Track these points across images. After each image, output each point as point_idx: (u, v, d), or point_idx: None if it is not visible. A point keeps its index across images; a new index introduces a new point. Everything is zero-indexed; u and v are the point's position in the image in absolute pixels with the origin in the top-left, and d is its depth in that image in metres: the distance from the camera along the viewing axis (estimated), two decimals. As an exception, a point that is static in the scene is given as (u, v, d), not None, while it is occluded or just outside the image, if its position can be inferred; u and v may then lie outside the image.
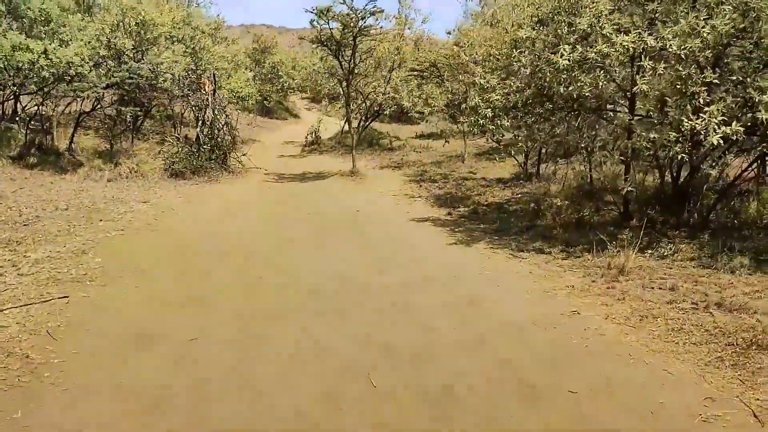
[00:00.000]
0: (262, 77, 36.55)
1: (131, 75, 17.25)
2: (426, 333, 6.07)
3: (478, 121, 12.88)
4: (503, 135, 13.65)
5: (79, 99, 18.44)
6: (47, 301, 6.33)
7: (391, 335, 5.99)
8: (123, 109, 17.28)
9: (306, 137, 26.14)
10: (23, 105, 20.19)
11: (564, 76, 9.32)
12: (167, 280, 7.62)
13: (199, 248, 9.49)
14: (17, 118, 19.52)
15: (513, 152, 17.12)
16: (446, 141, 20.61)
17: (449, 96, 19.11)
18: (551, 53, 9.50)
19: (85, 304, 6.40)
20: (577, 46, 9.05)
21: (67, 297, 6.48)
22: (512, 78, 11.25)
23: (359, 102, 25.21)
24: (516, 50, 10.57)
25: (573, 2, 9.31)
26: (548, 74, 9.76)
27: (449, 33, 28.38)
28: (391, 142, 25.28)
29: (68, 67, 16.49)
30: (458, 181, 17.04)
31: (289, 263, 8.80)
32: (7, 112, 20.36)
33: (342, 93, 25.17)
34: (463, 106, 16.22)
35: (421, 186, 16.68)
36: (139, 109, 18.40)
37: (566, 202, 12.19)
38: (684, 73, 8.30)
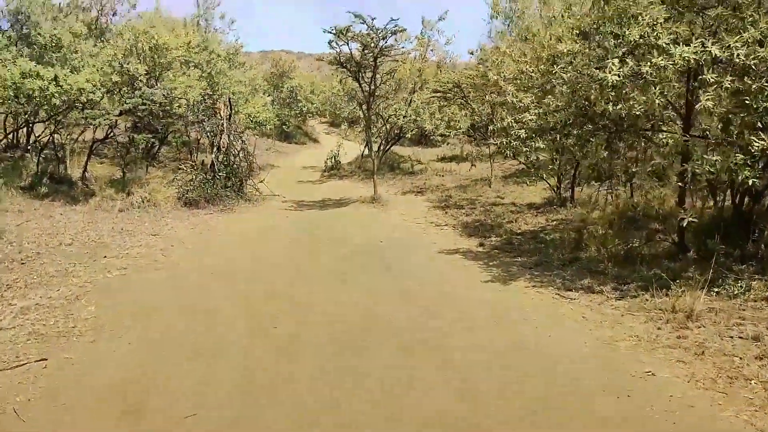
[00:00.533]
0: (280, 102, 35.93)
1: (144, 101, 16.51)
2: (465, 399, 4.99)
3: (510, 142, 11.86)
4: (537, 158, 12.58)
5: (92, 126, 17.74)
6: (22, 365, 5.36)
7: (424, 400, 4.92)
8: (136, 136, 16.49)
9: (325, 162, 25.29)
10: (36, 133, 19.58)
11: (612, 94, 8.26)
12: (166, 332, 6.62)
13: (206, 287, 8.51)
14: (29, 147, 18.88)
15: (544, 175, 16.02)
16: (473, 164, 19.61)
17: (474, 118, 18.11)
18: (596, 68, 8.47)
19: (67, 369, 5.41)
20: (627, 60, 8.01)
21: (45, 360, 5.50)
22: (549, 97, 10.22)
23: (379, 125, 24.35)
24: (555, 66, 9.56)
25: (620, 11, 8.27)
26: (593, 92, 8.72)
27: (472, 53, 27.51)
28: (413, 166, 24.31)
29: (79, 94, 15.79)
30: (486, 206, 15.95)
31: (307, 300, 7.78)
32: (21, 141, 19.74)
33: (362, 116, 24.35)
34: (491, 127, 15.19)
35: (447, 213, 15.62)
36: (152, 136, 17.59)
37: (610, 231, 11.06)
38: (754, 86, 7.20)
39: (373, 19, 16.10)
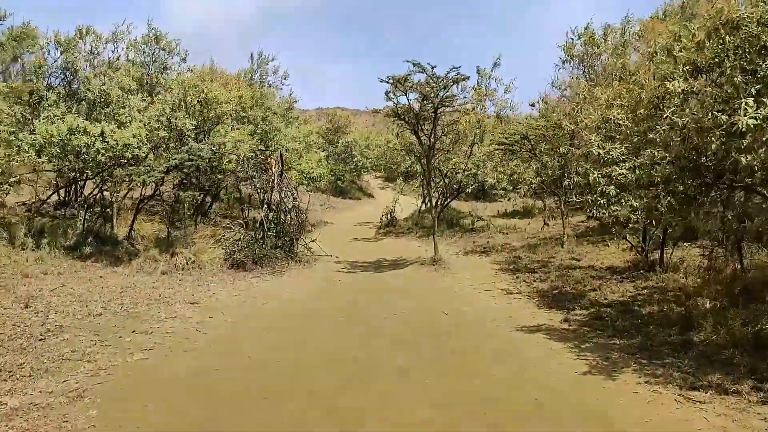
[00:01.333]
0: (335, 157, 35.06)
1: (191, 157, 15.53)
2: None
3: (596, 200, 10.12)
4: (631, 218, 10.78)
5: (140, 184, 16.88)
6: None
7: None
8: (181, 193, 15.46)
9: (381, 218, 23.90)
10: (83, 191, 18.90)
11: (743, 141, 6.51)
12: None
13: (237, 391, 6.97)
14: (76, 205, 18.14)
15: (627, 235, 14.11)
16: (545, 222, 17.81)
17: (546, 171, 16.45)
18: (718, 111, 6.76)
19: None
20: (766, 100, 6.28)
21: None
22: (650, 146, 8.50)
23: (437, 180, 22.93)
24: (657, 110, 7.88)
25: (751, 39, 6.60)
26: (713, 139, 6.97)
27: (533, 104, 25.97)
28: (474, 223, 22.63)
29: (125, 150, 14.93)
30: (562, 270, 14.08)
31: (357, 413, 6.12)
32: (71, 198, 19.05)
33: (421, 170, 22.96)
34: (565, 182, 13.48)
35: (517, 278, 13.82)
36: (199, 192, 16.54)
37: (725, 305, 9.09)
38: None
39: (433, 68, 14.81)
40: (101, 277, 13.73)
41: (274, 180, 16.44)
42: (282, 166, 17.63)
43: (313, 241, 17.13)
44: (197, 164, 15.61)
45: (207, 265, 15.15)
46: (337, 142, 37.11)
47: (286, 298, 12.00)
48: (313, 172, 23.36)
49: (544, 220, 17.88)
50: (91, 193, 18.71)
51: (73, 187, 18.71)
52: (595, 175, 9.87)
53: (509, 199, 28.51)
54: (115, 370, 7.03)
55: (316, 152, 26.21)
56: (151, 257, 15.23)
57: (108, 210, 18.23)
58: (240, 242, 15.68)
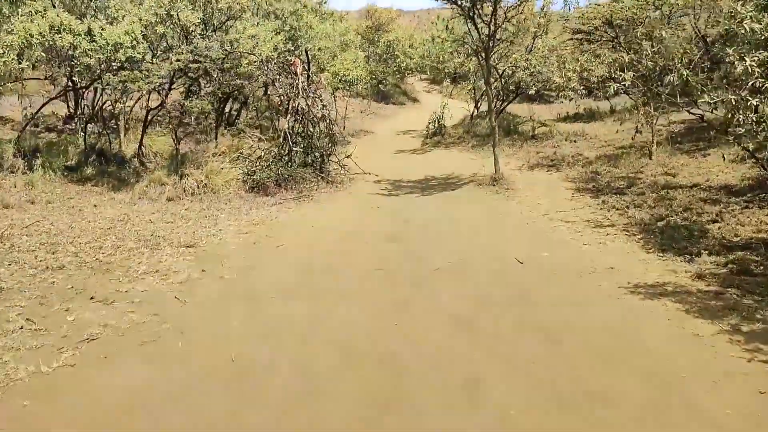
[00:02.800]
0: (375, 58, 31.34)
1: (197, 58, 12.49)
2: None
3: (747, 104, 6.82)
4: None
5: (146, 93, 14.04)
6: None
7: None
8: (187, 103, 12.53)
9: (427, 126, 20.61)
10: (96, 103, 16.21)
11: None
12: None
13: (223, 382, 4.32)
14: (75, 120, 15.50)
15: (741, 141, 10.68)
16: (637, 131, 14.27)
17: (645, 64, 12.68)
18: None
19: None
20: None
21: None
22: None
23: (493, 80, 19.38)
24: None
25: None
26: None
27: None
28: (534, 129, 19.15)
29: (116, 50, 12.00)
30: (658, 191, 10.84)
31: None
32: (81, 112, 16.36)
33: (473, 69, 19.39)
34: (668, 78, 9.95)
35: (603, 202, 10.66)
36: (211, 101, 13.60)
37: None
38: None
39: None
40: (95, 206, 11.23)
41: (297, 85, 13.32)
42: (309, 66, 14.43)
43: (347, 156, 14.15)
44: (205, 67, 12.58)
45: (222, 189, 12.45)
46: (378, 41, 33.20)
47: (307, 237, 9.20)
48: (349, 74, 20.02)
49: (637, 127, 14.35)
50: (95, 103, 16.01)
51: (80, 98, 16.02)
52: (747, 63, 6.54)
53: (570, 100, 24.63)
54: (13, 390, 4.39)
55: (353, 52, 22.65)
56: (157, 180, 12.59)
57: (113, 123, 15.55)
58: (260, 160, 12.86)
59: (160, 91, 12.90)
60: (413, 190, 13.00)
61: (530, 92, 17.90)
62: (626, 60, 10.23)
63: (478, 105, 21.94)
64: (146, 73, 12.21)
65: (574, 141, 17.54)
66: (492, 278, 7.01)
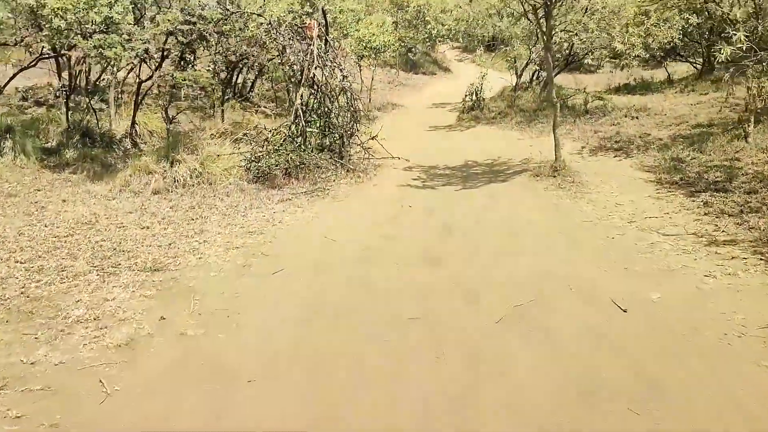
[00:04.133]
0: (404, 23, 28.43)
1: (188, 18, 10.05)
2: None
3: None
4: None
5: (138, 62, 11.67)
6: None
7: None
8: (177, 75, 10.09)
9: (464, 99, 17.90)
10: (74, 74, 13.90)
11: None
12: None
13: None
14: (57, 93, 13.24)
15: None
16: (729, 93, 11.47)
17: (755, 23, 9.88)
18: None
19: None
20: None
21: None
22: None
23: (537, 48, 16.61)
24: None
25: None
26: None
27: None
28: (587, 103, 16.33)
29: (89, 8, 9.65)
30: (775, 188, 8.18)
31: None
32: (75, 84, 14.08)
33: (520, 34, 16.62)
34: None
35: (706, 204, 8.03)
36: (208, 72, 11.17)
37: None
38: None
39: None
40: (64, 201, 9.03)
41: (312, 51, 10.80)
42: (327, 30, 11.89)
43: (373, 137, 11.62)
44: (200, 30, 10.12)
45: (220, 179, 10.12)
46: (407, 6, 30.19)
47: (315, 256, 6.80)
48: (375, 41, 17.35)
49: (727, 95, 11.55)
50: (79, 73, 13.69)
51: (64, 68, 13.71)
52: None
53: (620, 69, 21.58)
54: None
55: (381, 15, 19.87)
56: (144, 168, 10.29)
57: (100, 98, 13.26)
58: (267, 144, 10.46)
59: (147, 60, 10.49)
60: (452, 180, 10.49)
61: (587, 61, 15.10)
62: (738, 16, 7.59)
63: (520, 75, 19.13)
64: (126, 37, 9.82)
65: (636, 117, 14.74)
66: (587, 341, 4.54)
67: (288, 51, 11.05)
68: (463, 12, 20.11)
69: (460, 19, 21.84)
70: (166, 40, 10.70)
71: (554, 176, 9.68)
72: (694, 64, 19.72)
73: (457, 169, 11.24)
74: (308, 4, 15.48)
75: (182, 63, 10.94)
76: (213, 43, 10.57)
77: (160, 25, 9.97)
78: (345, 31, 16.62)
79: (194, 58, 10.97)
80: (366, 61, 19.30)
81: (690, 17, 15.20)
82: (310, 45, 11.01)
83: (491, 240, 7.12)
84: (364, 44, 17.24)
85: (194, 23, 9.97)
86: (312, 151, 10.80)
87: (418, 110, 20.02)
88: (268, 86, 18.79)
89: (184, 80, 9.83)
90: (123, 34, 9.90)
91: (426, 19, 29.31)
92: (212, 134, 11.25)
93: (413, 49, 28.78)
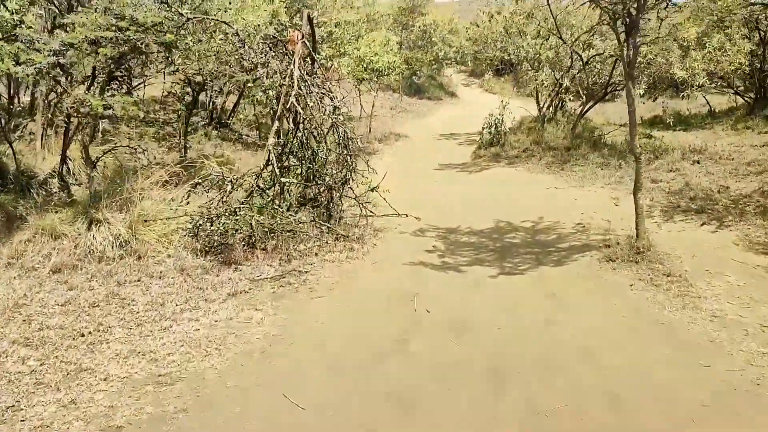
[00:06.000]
0: (409, 44, 25.49)
1: (118, 23, 6.92)
2: None
3: None
4: None
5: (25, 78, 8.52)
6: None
7: None
8: (92, 100, 6.89)
9: (481, 132, 14.74)
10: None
11: None
12: None
13: None
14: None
15: None
16: None
17: None
18: None
19: None
20: None
21: None
22: None
23: (556, 75, 13.56)
24: None
25: None
26: None
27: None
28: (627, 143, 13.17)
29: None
30: None
31: None
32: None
33: (551, 56, 13.58)
34: None
35: None
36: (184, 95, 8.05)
37: None
38: None
39: None
40: None
41: (292, 72, 7.64)
42: (314, 43, 8.77)
43: (372, 189, 8.41)
44: (132, 39, 6.97)
45: (155, 249, 6.93)
46: (412, 25, 27.27)
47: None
48: (377, 61, 14.23)
49: None
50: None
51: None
52: None
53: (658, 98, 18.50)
54: None
55: (384, 34, 16.77)
56: (49, 229, 7.09)
57: (16, 124, 10.10)
58: (221, 204, 7.27)
59: (58, 78, 7.31)
60: (482, 254, 7.29)
61: (638, 91, 12.03)
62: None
63: (543, 104, 16.03)
64: (26, 45, 6.68)
65: (697, 162, 11.62)
66: None
67: (261, 71, 7.91)
68: (478, 31, 17.04)
69: (473, 38, 18.76)
70: (95, 52, 7.54)
71: (636, 261, 6.47)
72: (744, 97, 16.67)
73: (487, 236, 8.04)
74: (298, 15, 12.46)
75: (111, 83, 7.77)
76: (155, 58, 7.42)
77: (75, 31, 6.82)
78: (342, 49, 13.53)
79: (128, 76, 7.84)
80: (366, 85, 16.21)
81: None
82: (290, 65, 7.86)
83: (588, 418, 3.90)
84: (364, 65, 14.12)
85: (123, 30, 6.82)
86: (289, 209, 7.62)
87: (425, 142, 16.88)
88: (255, 110, 15.66)
89: (98, 108, 6.63)
90: (25, 41, 6.76)
91: (432, 39, 26.39)
92: (153, 182, 8.02)
93: (418, 72, 25.76)
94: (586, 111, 14.00)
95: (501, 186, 11.19)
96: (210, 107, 14.93)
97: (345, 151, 8.03)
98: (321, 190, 8.03)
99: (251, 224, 7.03)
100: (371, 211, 8.43)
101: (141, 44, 7.00)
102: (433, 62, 26.17)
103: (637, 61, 11.05)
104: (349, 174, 8.13)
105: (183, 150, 11.43)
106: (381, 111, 20.32)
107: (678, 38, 11.39)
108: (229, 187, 7.47)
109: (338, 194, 7.96)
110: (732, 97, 17.78)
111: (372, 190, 8.44)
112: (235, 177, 7.67)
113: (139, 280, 6.28)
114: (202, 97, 15.14)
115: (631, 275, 6.21)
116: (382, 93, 21.20)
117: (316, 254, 7.10)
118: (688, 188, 9.67)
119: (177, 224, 7.39)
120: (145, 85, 10.15)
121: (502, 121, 14.35)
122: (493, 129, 14.35)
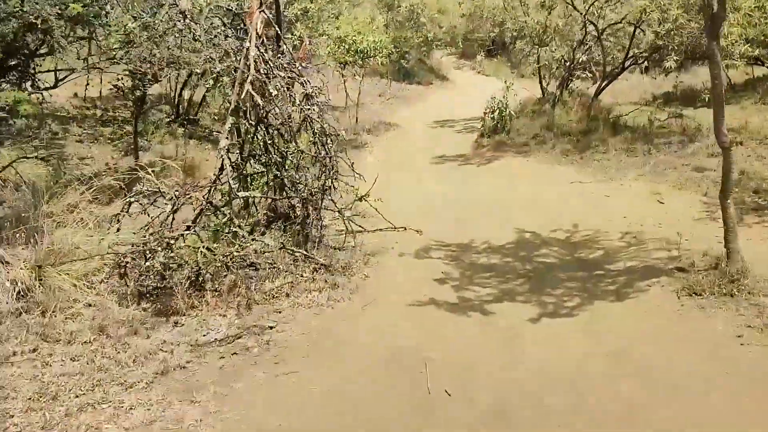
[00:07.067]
0: (395, 26, 23.33)
1: None
2: None
3: None
4: None
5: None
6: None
7: None
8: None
9: (483, 117, 12.77)
10: None
11: None
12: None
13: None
14: None
15: None
16: None
17: None
18: None
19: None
20: None
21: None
22: None
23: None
24: None
25: None
26: None
27: None
28: (652, 123, 11.28)
29: None
30: None
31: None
32: None
33: (561, 27, 11.68)
34: None
35: None
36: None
37: None
38: None
39: None
40: None
41: (248, 54, 5.67)
42: (279, 17, 6.79)
43: (360, 198, 6.47)
44: (23, 12, 4.98)
45: (68, 301, 4.99)
46: (399, 5, 25.08)
47: None
48: (362, 42, 12.20)
49: None
50: None
51: None
52: None
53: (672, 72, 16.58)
54: None
55: (369, 10, 14.62)
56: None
57: None
58: (157, 233, 5.31)
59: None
60: (509, 282, 5.40)
61: (667, 64, 10.10)
62: None
63: (548, 84, 14.07)
64: None
65: (740, 143, 9.76)
66: None
67: (207, 52, 5.94)
68: (473, 5, 15.01)
69: (467, 14, 16.74)
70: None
71: (731, 294, 4.58)
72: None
73: (511, 254, 6.14)
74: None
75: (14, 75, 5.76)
76: (63, 38, 5.43)
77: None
78: (320, 29, 11.51)
79: (26, 65, 5.87)
80: (350, 70, 14.17)
81: None
82: (248, 43, 5.89)
83: None
84: (347, 47, 12.08)
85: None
86: (252, 232, 5.71)
87: (419, 131, 14.90)
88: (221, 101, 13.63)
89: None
90: None
91: (421, 20, 24.24)
92: (71, 206, 6.05)
93: (406, 56, 23.63)
94: (603, 89, 12.06)
95: (514, 182, 9.28)
96: (176, 101, 12.97)
97: (323, 152, 6.07)
98: (294, 203, 6.09)
99: (197, 261, 5.10)
100: (360, 227, 6.51)
101: (36, 18, 4.99)
102: (422, 45, 24.04)
103: (676, 26, 9.13)
104: (329, 181, 6.17)
105: (135, 153, 9.48)
106: (368, 99, 18.29)
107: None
108: (169, 208, 5.51)
109: (316, 208, 6.01)
110: (743, 69, 15.81)
111: (360, 200, 6.53)
112: (178, 191, 5.70)
113: (35, 351, 4.36)
114: (163, 89, 13.18)
115: (733, 318, 4.32)
116: (369, 79, 19.15)
117: (288, 295, 5.18)
118: (746, 178, 7.80)
119: (102, 260, 5.46)
120: (60, 79, 8.02)
121: (507, 104, 12.39)
122: (496, 114, 12.39)
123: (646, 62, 13.15)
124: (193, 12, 6.58)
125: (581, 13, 10.75)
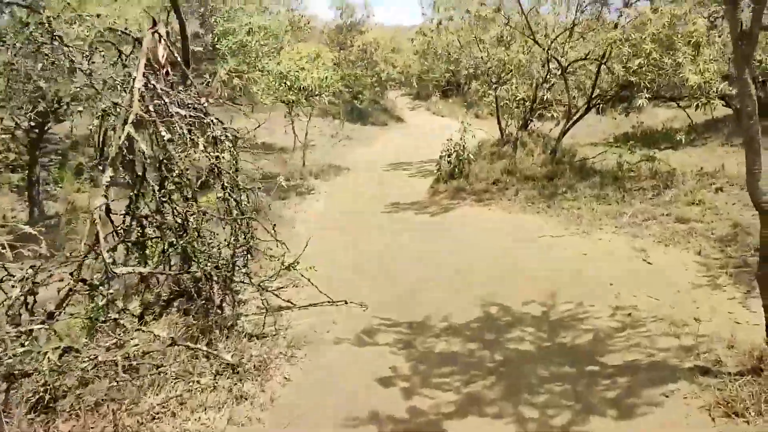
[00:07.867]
0: (348, 65, 22.35)
1: None
2: None
3: None
4: None
5: None
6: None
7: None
8: None
9: (440, 159, 11.56)
10: None
11: None
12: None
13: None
14: None
15: None
16: None
17: None
18: None
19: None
20: None
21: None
22: None
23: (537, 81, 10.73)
24: None
25: None
26: None
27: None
28: (622, 166, 10.29)
29: None
30: None
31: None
32: None
33: (525, 63, 10.73)
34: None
35: None
36: None
37: None
38: None
39: None
40: None
41: (135, 83, 4.31)
42: (186, 45, 5.45)
43: (288, 266, 5.08)
44: None
45: None
46: (351, 45, 24.23)
47: None
48: (305, 78, 10.93)
49: None
50: None
51: None
52: None
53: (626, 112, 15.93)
54: None
55: (315, 46, 13.45)
56: None
57: None
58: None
59: None
60: (476, 381, 4.06)
61: (639, 101, 9.15)
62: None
63: (508, 125, 13.06)
64: None
65: (721, 190, 8.84)
66: None
67: (82, 82, 4.55)
68: (426, 41, 14.01)
69: (421, 51, 15.78)
70: None
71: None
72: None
73: (476, 336, 4.81)
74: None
75: None
76: None
77: None
78: (258, 64, 10.22)
79: None
80: (296, 110, 12.89)
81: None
82: (135, 74, 4.52)
83: None
84: (289, 83, 10.79)
85: None
86: (141, 318, 4.24)
87: (370, 175, 13.65)
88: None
89: None
90: None
91: (374, 59, 23.39)
92: None
93: (359, 95, 22.60)
94: (569, 129, 11.07)
95: (475, 236, 8.02)
96: (99, 142, 11.46)
97: (236, 213, 4.68)
98: (197, 277, 4.65)
99: (51, 370, 3.59)
100: (289, 302, 5.10)
101: None
102: (376, 84, 23.12)
103: (648, 60, 8.21)
104: (243, 248, 4.77)
105: (30, 206, 7.91)
106: (320, 140, 17.10)
107: (683, 33, 8.63)
108: (16, 291, 4.00)
109: (224, 285, 4.59)
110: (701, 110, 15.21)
111: (287, 269, 5.13)
112: (35, 267, 4.20)
113: None
114: (83, 129, 11.73)
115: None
116: (321, 119, 18.00)
117: (174, 414, 3.70)
118: (742, 232, 6.73)
119: None
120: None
121: (464, 147, 11.28)
122: (453, 157, 11.25)
123: (610, 101, 12.24)
124: (77, 35, 5.19)
125: (544, 49, 9.78)
